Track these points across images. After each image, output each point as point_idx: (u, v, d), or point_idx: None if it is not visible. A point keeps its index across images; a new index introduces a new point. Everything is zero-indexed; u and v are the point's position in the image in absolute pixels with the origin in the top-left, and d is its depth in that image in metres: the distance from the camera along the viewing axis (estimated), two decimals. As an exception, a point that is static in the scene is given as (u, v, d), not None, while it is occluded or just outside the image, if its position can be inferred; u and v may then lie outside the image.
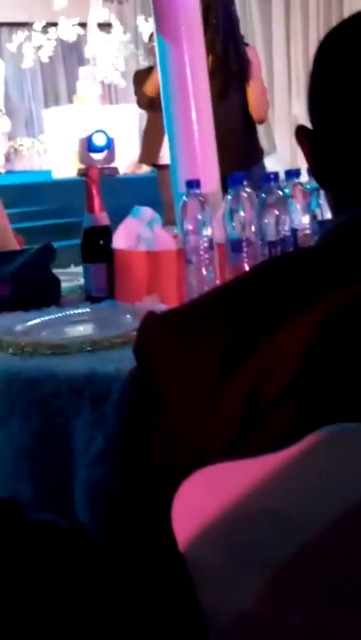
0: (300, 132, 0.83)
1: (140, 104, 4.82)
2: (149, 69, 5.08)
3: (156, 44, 2.05)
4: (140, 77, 4.89)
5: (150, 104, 4.13)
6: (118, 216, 1.77)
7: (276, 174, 1.62)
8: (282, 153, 8.39)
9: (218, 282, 1.58)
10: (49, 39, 8.84)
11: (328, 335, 0.69)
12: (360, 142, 0.77)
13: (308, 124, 0.83)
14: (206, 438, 0.70)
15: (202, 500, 0.68)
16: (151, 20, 2.07)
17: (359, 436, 0.64)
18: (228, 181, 1.62)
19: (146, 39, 7.98)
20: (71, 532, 0.98)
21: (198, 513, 0.68)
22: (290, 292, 0.72)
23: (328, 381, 0.69)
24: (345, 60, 0.78)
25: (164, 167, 3.97)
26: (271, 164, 6.36)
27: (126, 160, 7.65)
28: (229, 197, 1.59)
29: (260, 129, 7.11)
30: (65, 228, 4.92)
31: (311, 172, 0.83)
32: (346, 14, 0.99)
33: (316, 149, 0.82)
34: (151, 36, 5.61)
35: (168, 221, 1.89)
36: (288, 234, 1.61)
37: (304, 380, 0.68)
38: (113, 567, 0.77)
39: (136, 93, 5.02)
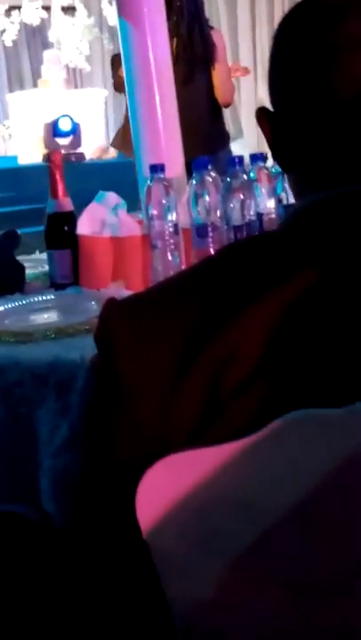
0: (261, 114, 0.82)
1: (117, 88, 4.78)
2: None
3: (118, 26, 2.03)
4: (118, 61, 4.84)
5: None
6: (85, 201, 1.75)
7: (240, 158, 1.61)
8: (248, 137, 8.38)
9: (183, 267, 1.58)
10: (12, 22, 8.71)
11: (291, 320, 0.69)
12: (319, 124, 0.76)
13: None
14: (169, 426, 0.69)
15: (165, 488, 0.67)
16: (115, 3, 2.05)
17: (321, 422, 0.64)
18: (192, 166, 1.61)
19: (111, 23, 7.91)
20: (37, 522, 0.97)
21: (162, 501, 0.68)
22: (253, 277, 0.71)
23: (290, 367, 0.68)
24: (303, 40, 0.77)
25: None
26: (238, 148, 6.35)
27: (92, 145, 7.59)
28: (194, 182, 1.58)
29: (227, 113, 7.09)
30: (30, 214, 4.87)
31: (272, 154, 0.82)
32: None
33: (277, 131, 0.81)
34: None
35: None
36: (254, 218, 1.61)
37: (267, 367, 0.68)
38: (78, 556, 0.77)
39: (113, 77, 4.97)
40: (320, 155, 0.77)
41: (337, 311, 0.69)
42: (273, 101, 0.81)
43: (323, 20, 0.76)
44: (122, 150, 4.86)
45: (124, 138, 4.72)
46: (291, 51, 0.78)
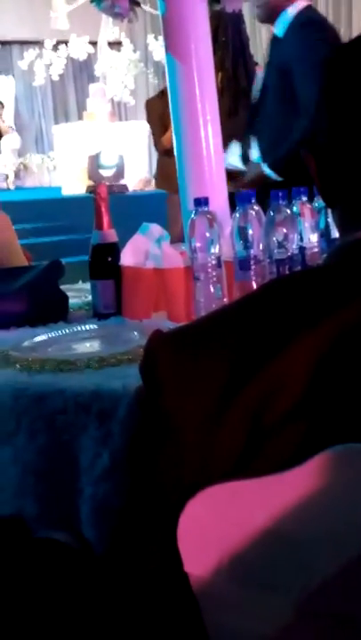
0: (307, 151, 0.83)
1: (157, 150, 4.87)
2: (160, 96, 5.13)
3: (165, 62, 2.06)
4: (152, 108, 4.93)
5: (167, 153, 4.22)
6: (127, 233, 1.77)
7: (284, 192, 1.62)
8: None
9: (225, 299, 1.58)
10: (59, 57, 8.91)
11: (336, 355, 0.69)
12: None
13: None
14: (212, 458, 0.70)
15: (207, 519, 0.68)
16: (161, 38, 2.09)
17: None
18: (236, 199, 1.62)
19: (156, 58, 8.04)
20: (76, 549, 0.98)
21: (203, 532, 0.68)
22: (297, 312, 0.72)
23: (336, 401, 0.68)
24: (351, 80, 0.78)
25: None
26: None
27: (135, 177, 7.68)
28: (237, 215, 1.59)
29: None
30: (74, 244, 4.93)
31: (318, 190, 0.83)
32: (355, 34, 0.99)
33: (323, 168, 0.82)
34: None
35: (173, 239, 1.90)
36: (296, 252, 1.61)
37: (312, 401, 0.68)
38: (118, 585, 0.77)
39: (151, 127, 5.04)
40: None
41: None
42: (319, 139, 0.83)
43: None
44: (163, 188, 4.93)
45: (162, 176, 4.80)
46: (338, 91, 0.79)
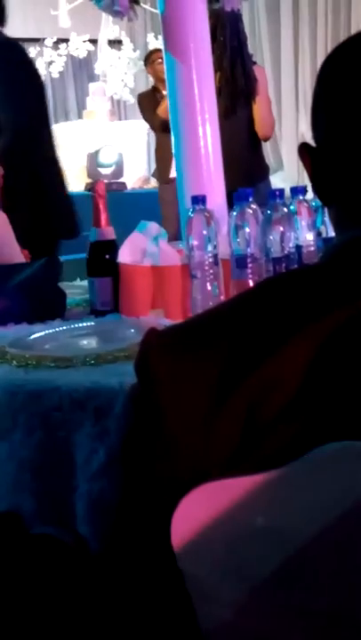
0: (304, 150, 0.83)
1: (154, 127, 4.88)
2: (152, 91, 5.16)
3: (164, 60, 2.07)
4: (145, 100, 4.98)
5: (165, 127, 4.21)
6: (125, 230, 1.78)
7: (281, 191, 1.62)
8: (289, 170, 8.41)
9: (222, 297, 1.59)
10: (60, 55, 8.89)
11: (330, 352, 0.69)
12: (360, 161, 0.77)
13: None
14: (206, 454, 0.70)
15: (201, 516, 0.68)
16: (161, 37, 2.09)
17: (357, 455, 0.64)
18: (233, 197, 1.63)
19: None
20: (72, 545, 0.98)
21: (197, 529, 0.68)
22: (292, 310, 0.72)
23: (330, 399, 0.69)
24: (349, 78, 0.78)
25: (169, 181, 4.01)
26: (278, 180, 6.38)
27: (134, 175, 7.67)
28: (235, 213, 1.60)
29: (268, 146, 7.11)
30: (72, 241, 4.94)
31: (313, 188, 0.84)
32: (354, 31, 1.00)
33: (319, 166, 0.82)
34: (149, 54, 5.68)
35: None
36: (293, 250, 1.61)
37: (306, 398, 0.68)
38: (113, 581, 0.77)
39: (145, 117, 5.08)
40: (358, 190, 0.78)
41: None
42: (315, 137, 0.83)
43: None
44: (160, 180, 4.95)
45: (161, 171, 4.81)
46: (335, 89, 0.80)
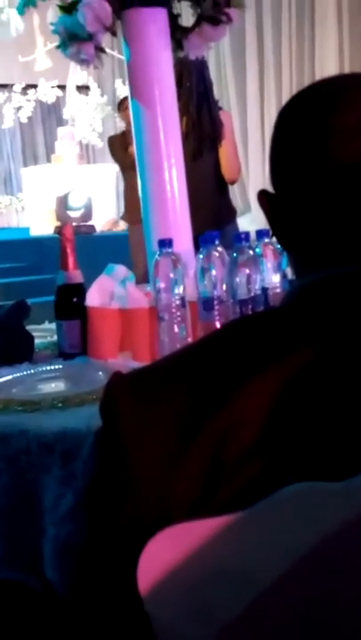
0: (263, 196, 0.85)
1: (125, 167, 4.92)
2: (122, 135, 5.22)
3: (130, 107, 2.10)
4: (117, 141, 5.02)
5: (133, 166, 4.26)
6: (94, 273, 1.79)
7: (247, 234, 1.65)
8: (257, 212, 8.51)
9: (190, 339, 1.60)
10: (28, 100, 8.99)
11: (290, 395, 0.70)
12: (315, 207, 0.79)
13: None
14: (171, 497, 0.70)
15: (166, 559, 0.68)
16: (127, 85, 2.13)
17: (322, 495, 0.65)
18: (200, 240, 1.65)
19: (123, 101, 8.13)
20: (38, 590, 0.97)
21: (162, 572, 0.68)
22: (255, 351, 0.74)
23: (291, 441, 0.69)
24: (300, 128, 0.81)
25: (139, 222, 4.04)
26: (246, 223, 6.45)
27: (103, 218, 7.72)
28: (201, 256, 1.62)
29: (235, 189, 7.20)
30: (40, 284, 4.94)
31: (273, 234, 0.86)
32: (318, 77, 1.03)
33: (276, 213, 0.84)
34: (122, 101, 5.78)
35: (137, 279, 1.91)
36: (259, 292, 1.63)
37: (268, 441, 0.69)
38: (78, 625, 0.77)
39: (115, 157, 5.13)
40: (316, 236, 0.80)
41: (333, 388, 0.71)
42: (273, 183, 0.85)
43: (319, 109, 0.80)
44: (128, 222, 4.98)
45: (130, 211, 4.84)
46: (288, 138, 0.82)
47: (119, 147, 4.97)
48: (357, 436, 0.70)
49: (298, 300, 0.79)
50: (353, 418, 0.70)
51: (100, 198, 7.51)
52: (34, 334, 1.80)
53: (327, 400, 0.71)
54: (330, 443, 0.70)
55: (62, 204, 6.93)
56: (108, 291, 1.72)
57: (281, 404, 0.70)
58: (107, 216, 7.87)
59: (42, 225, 7.55)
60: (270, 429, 0.70)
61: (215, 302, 1.60)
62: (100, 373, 1.54)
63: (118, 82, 8.67)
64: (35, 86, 8.76)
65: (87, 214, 7.05)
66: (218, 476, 0.69)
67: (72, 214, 6.91)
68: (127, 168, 4.86)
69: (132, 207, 4.69)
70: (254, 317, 0.89)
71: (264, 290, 1.67)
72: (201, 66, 3.49)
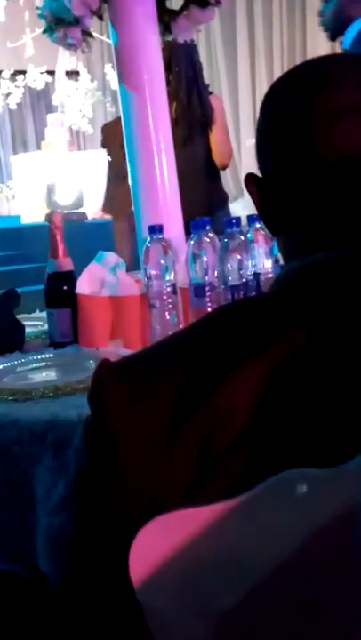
0: (250, 180, 0.84)
1: (113, 171, 4.85)
2: (117, 120, 5.15)
3: (119, 91, 2.08)
4: (111, 133, 4.96)
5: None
6: (85, 261, 1.77)
7: (238, 219, 1.63)
8: (249, 198, 8.49)
9: (181, 326, 1.59)
10: (17, 86, 8.92)
11: (279, 381, 0.70)
12: (302, 191, 0.79)
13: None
14: (161, 485, 0.70)
15: (157, 547, 0.67)
16: (116, 70, 2.11)
17: (311, 482, 0.65)
18: (191, 226, 1.64)
19: (113, 86, 8.08)
20: (31, 581, 0.97)
21: (154, 561, 0.68)
22: (242, 339, 0.73)
23: (280, 428, 0.69)
24: (289, 110, 0.80)
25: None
26: (239, 208, 6.43)
27: (94, 205, 7.69)
28: (192, 242, 1.61)
29: (228, 174, 7.17)
30: (31, 273, 4.93)
31: (261, 218, 0.85)
32: (309, 57, 1.02)
33: (265, 197, 0.83)
34: None
35: None
36: (251, 278, 1.62)
37: (257, 428, 0.69)
38: (72, 616, 0.76)
39: (106, 146, 5.05)
40: (304, 220, 0.79)
41: (325, 373, 0.70)
42: (261, 167, 0.84)
43: (304, 92, 0.79)
44: (111, 215, 4.92)
45: (112, 202, 4.78)
46: (275, 121, 0.81)
47: (113, 142, 4.90)
48: (346, 421, 0.69)
49: (285, 285, 0.78)
50: (343, 403, 0.69)
51: (90, 185, 7.47)
52: (24, 323, 1.79)
53: (318, 384, 0.70)
54: (319, 429, 0.69)
55: (53, 191, 6.91)
56: (98, 278, 1.71)
57: (269, 393, 0.69)
58: (98, 203, 7.83)
59: (33, 213, 7.52)
60: (259, 418, 0.69)
61: (207, 289, 1.59)
62: (91, 362, 1.53)
63: (108, 67, 8.61)
64: (23, 72, 8.70)
65: (78, 202, 7.03)
66: (209, 464, 0.69)
67: (62, 202, 6.89)
68: (118, 165, 4.81)
69: (119, 201, 4.63)
70: (243, 302, 0.88)
71: (256, 275, 1.66)
72: (190, 50, 3.46)
